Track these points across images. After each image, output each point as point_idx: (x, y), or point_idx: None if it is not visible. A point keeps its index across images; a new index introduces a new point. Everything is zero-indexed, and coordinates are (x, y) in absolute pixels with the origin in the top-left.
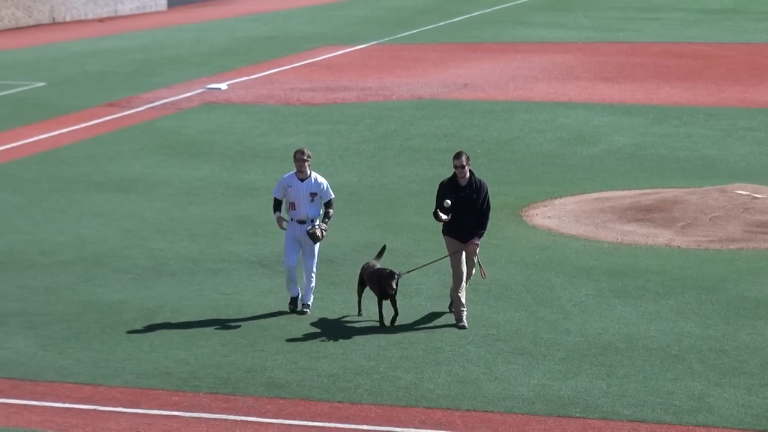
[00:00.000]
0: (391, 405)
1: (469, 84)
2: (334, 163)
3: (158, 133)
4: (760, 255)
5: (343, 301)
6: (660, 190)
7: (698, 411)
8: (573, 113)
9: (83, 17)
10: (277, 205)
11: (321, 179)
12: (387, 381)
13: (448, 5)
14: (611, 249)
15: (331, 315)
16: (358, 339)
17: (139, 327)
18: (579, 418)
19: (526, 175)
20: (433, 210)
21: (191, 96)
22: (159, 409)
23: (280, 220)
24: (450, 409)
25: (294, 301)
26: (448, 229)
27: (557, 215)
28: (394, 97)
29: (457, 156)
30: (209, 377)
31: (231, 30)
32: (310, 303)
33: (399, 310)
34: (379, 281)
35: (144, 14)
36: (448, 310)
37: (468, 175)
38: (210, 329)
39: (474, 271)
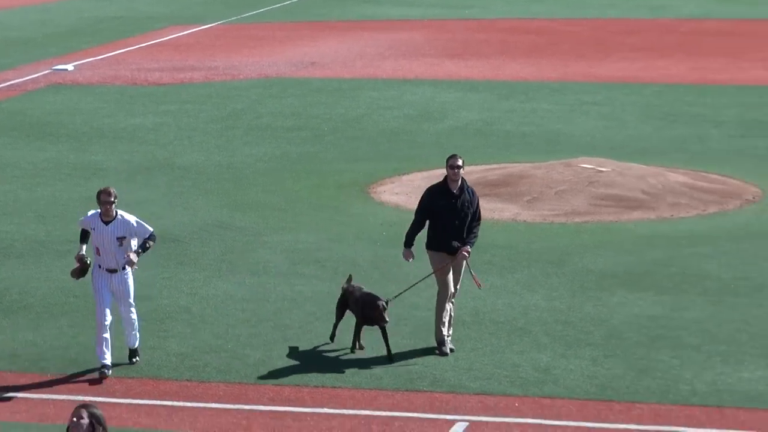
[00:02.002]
0: (239, 383)
1: (317, 62)
2: (182, 143)
3: (4, 115)
4: (605, 228)
5: (190, 281)
6: (506, 165)
7: (544, 383)
8: (420, 90)
9: None
10: (85, 236)
11: (129, 217)
12: (236, 359)
13: None
14: None
15: (179, 294)
16: (207, 318)
17: None
18: (426, 392)
19: (374, 152)
20: (406, 237)
21: (37, 77)
22: (6, 392)
23: (81, 259)
24: (299, 386)
25: (104, 368)
26: (435, 243)
27: (405, 191)
28: (241, 77)
29: (453, 156)
30: (57, 358)
31: (77, 11)
32: (137, 346)
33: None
34: (367, 310)
35: None
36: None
37: (460, 180)
38: (58, 311)
39: (459, 287)
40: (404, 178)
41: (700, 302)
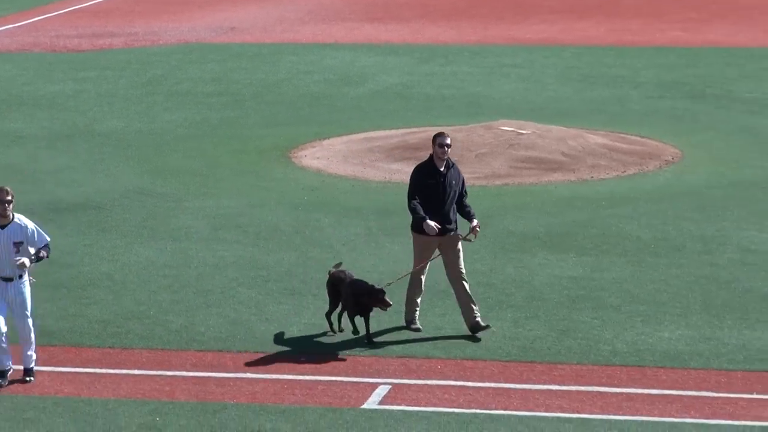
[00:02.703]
0: (162, 349)
1: (237, 27)
2: (102, 109)
3: None
4: (525, 190)
5: (112, 248)
6: (427, 128)
7: (466, 345)
8: (340, 54)
9: None
10: None
11: (26, 222)
12: (158, 325)
13: None
14: (379, 188)
15: (101, 261)
16: (129, 285)
17: None
18: (349, 355)
19: (295, 116)
20: (417, 215)
21: None
22: None
23: None
24: (221, 351)
25: (3, 374)
26: (423, 226)
27: (326, 156)
28: (161, 42)
29: (441, 135)
30: None
31: None
32: (33, 367)
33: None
34: (364, 298)
35: None
36: (405, 325)
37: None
38: None
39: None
40: (325, 142)
41: (620, 263)
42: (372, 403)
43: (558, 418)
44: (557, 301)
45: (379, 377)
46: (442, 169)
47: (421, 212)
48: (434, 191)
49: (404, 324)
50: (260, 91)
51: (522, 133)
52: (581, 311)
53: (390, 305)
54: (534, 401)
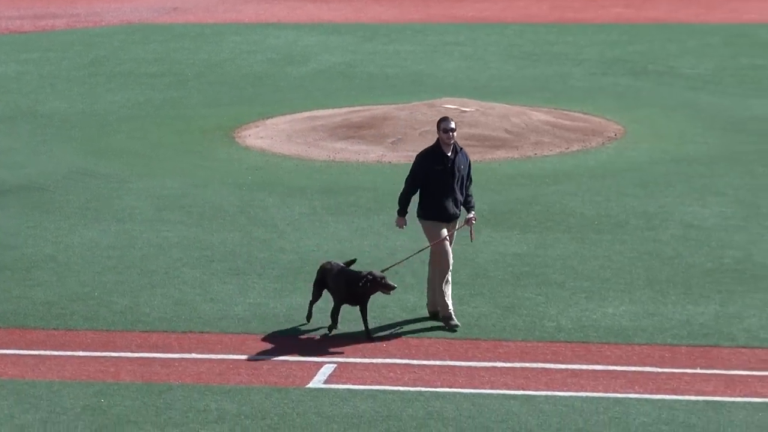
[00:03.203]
0: (107, 330)
1: (179, 8)
2: (45, 90)
3: None
4: None
5: (55, 229)
6: (370, 107)
7: (412, 322)
8: (282, 34)
9: None
10: None
11: None
12: (103, 306)
13: None
14: (323, 167)
15: (44, 243)
16: (73, 266)
17: None
18: (294, 335)
19: (238, 96)
20: (399, 204)
21: None
22: None
23: None
24: (166, 331)
25: None
26: (432, 211)
27: (269, 135)
28: (103, 23)
29: (446, 119)
30: None
31: None
32: None
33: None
34: (353, 287)
35: None
36: (430, 317)
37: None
38: None
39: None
40: (268, 122)
41: (564, 239)
42: (317, 382)
43: (503, 395)
44: (501, 278)
45: (324, 356)
46: (449, 154)
47: (406, 206)
48: (441, 177)
49: (428, 316)
50: (203, 71)
51: (465, 111)
52: (525, 288)
53: (394, 287)
54: (479, 378)
